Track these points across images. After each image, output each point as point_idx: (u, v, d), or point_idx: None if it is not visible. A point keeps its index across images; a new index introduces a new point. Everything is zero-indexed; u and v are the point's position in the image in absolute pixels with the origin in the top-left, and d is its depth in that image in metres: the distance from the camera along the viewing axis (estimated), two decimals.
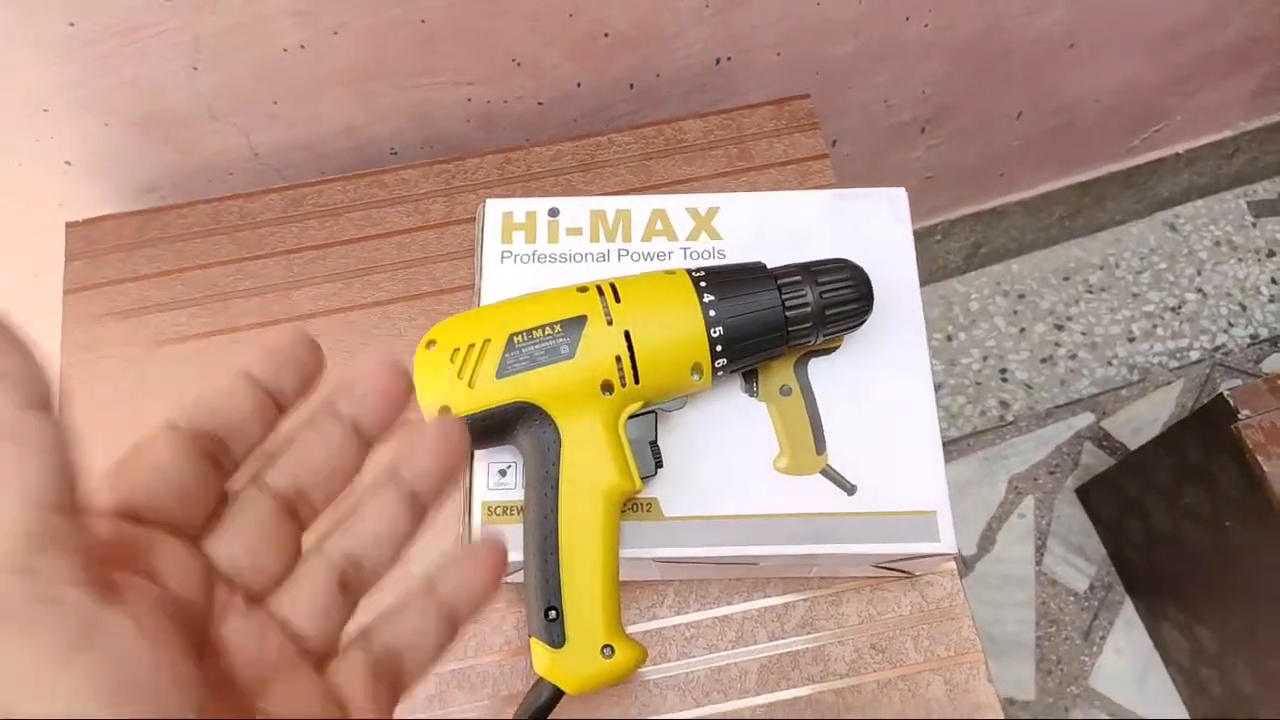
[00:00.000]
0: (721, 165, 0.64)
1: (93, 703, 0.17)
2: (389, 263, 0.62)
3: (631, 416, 0.45)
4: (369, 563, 0.24)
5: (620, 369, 0.44)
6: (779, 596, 0.54)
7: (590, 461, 0.44)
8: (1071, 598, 1.21)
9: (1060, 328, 1.34)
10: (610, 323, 0.44)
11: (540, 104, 0.71)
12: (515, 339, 0.44)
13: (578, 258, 0.52)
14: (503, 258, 0.52)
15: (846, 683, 0.52)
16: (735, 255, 0.52)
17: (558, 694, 0.43)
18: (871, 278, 0.47)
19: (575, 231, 0.53)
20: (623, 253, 0.52)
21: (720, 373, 0.46)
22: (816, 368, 0.50)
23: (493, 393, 0.43)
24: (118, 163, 0.65)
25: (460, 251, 0.62)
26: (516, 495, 0.48)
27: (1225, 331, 1.34)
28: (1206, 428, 0.91)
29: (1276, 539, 0.85)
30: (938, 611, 0.53)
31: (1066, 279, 1.36)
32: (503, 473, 0.48)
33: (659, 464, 0.46)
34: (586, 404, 0.44)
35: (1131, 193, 1.28)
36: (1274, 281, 1.36)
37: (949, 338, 1.34)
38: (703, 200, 0.54)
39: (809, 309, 0.46)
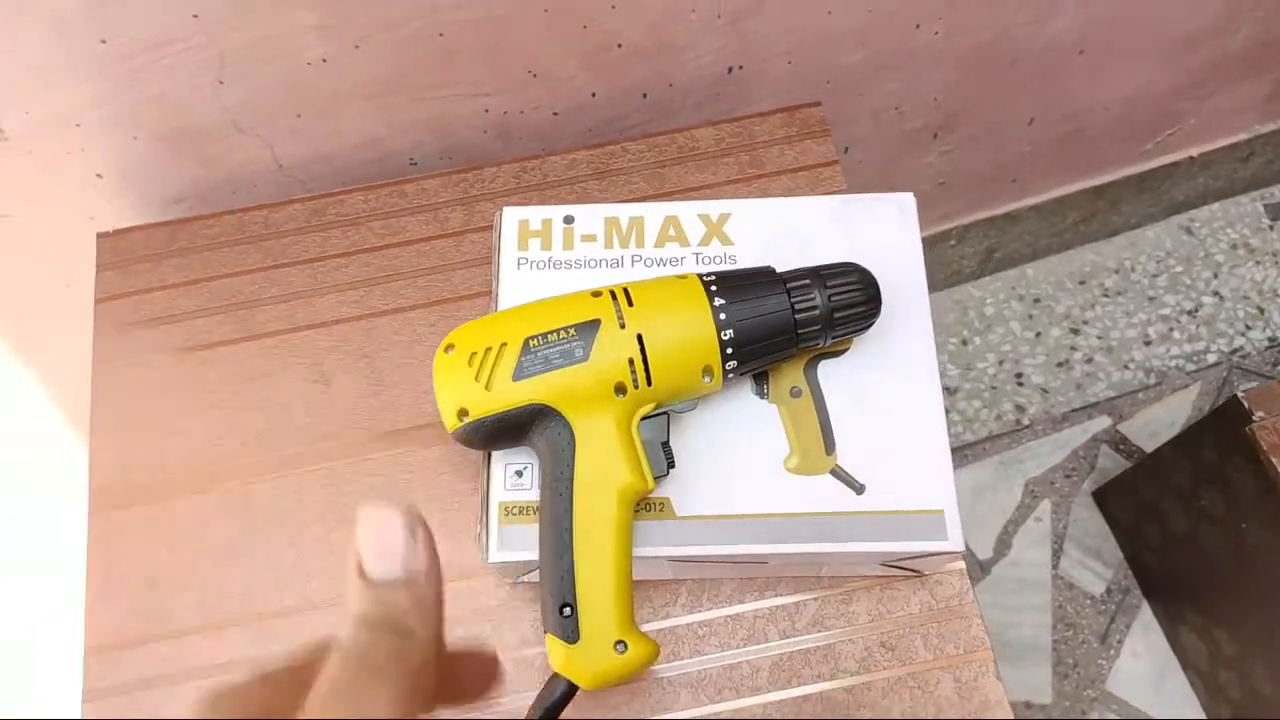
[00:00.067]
0: (733, 172, 0.65)
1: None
2: (409, 270, 0.64)
3: (644, 418, 0.47)
4: None
5: (633, 371, 0.45)
6: (790, 595, 0.55)
7: (604, 462, 0.45)
8: (1088, 601, 1.21)
9: (1076, 331, 1.34)
10: (623, 326, 0.45)
11: (556, 114, 0.72)
12: (531, 343, 0.45)
13: (592, 264, 0.54)
14: (519, 264, 0.54)
15: (857, 680, 0.53)
16: (746, 260, 0.53)
17: (572, 689, 0.44)
18: (880, 281, 0.48)
19: (590, 238, 0.54)
20: (636, 258, 0.54)
21: (731, 375, 0.47)
22: (826, 370, 0.51)
23: (509, 395, 0.45)
24: (146, 175, 0.67)
25: (478, 259, 0.64)
26: (533, 496, 0.49)
27: (1243, 334, 1.33)
28: (1222, 430, 0.91)
29: None
30: (947, 610, 0.54)
31: (1082, 283, 1.37)
32: (519, 474, 0.50)
33: (671, 464, 0.47)
34: (600, 405, 0.45)
35: (1146, 196, 1.28)
36: None
37: (964, 342, 1.34)
38: (714, 207, 0.55)
39: (817, 312, 0.47)
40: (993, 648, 0.54)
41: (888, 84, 0.83)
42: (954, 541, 0.48)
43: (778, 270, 0.48)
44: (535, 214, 0.55)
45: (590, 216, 0.55)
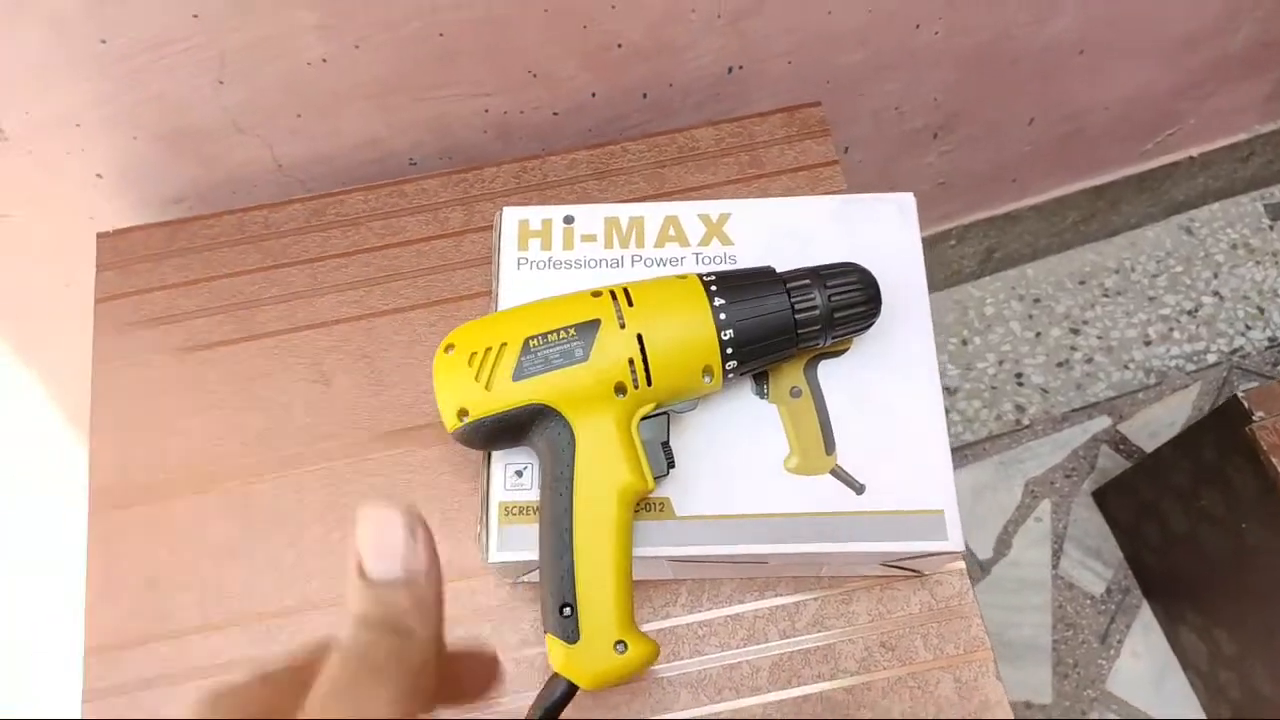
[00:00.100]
0: (733, 172, 0.65)
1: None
2: (409, 270, 0.64)
3: (644, 418, 0.47)
4: None
5: (633, 371, 0.45)
6: (790, 595, 0.55)
7: (604, 461, 0.45)
8: (1088, 601, 1.21)
9: (1076, 331, 1.34)
10: (623, 326, 0.45)
11: (556, 114, 0.73)
12: (531, 342, 0.45)
13: (592, 264, 0.54)
14: (519, 264, 0.54)
15: (857, 680, 0.53)
16: (746, 260, 0.53)
17: (572, 689, 0.44)
18: (880, 281, 0.48)
19: (590, 238, 0.54)
20: (636, 258, 0.54)
21: (731, 375, 0.47)
22: (826, 370, 0.51)
23: (509, 395, 0.45)
24: (146, 175, 0.67)
25: (478, 259, 0.64)
26: (533, 496, 0.49)
27: (1243, 334, 1.33)
28: (1221, 430, 0.91)
29: None
30: (947, 610, 0.54)
31: (1082, 283, 1.37)
32: (519, 474, 0.50)
33: (671, 464, 0.47)
34: (600, 405, 0.45)
35: (1146, 196, 1.28)
36: None
37: (964, 342, 1.34)
38: (714, 207, 0.55)
39: (817, 312, 0.47)
40: (993, 648, 0.54)
41: (888, 84, 0.83)
42: (954, 541, 0.48)
43: (778, 270, 0.48)
44: (535, 214, 0.55)
45: (590, 216, 0.55)
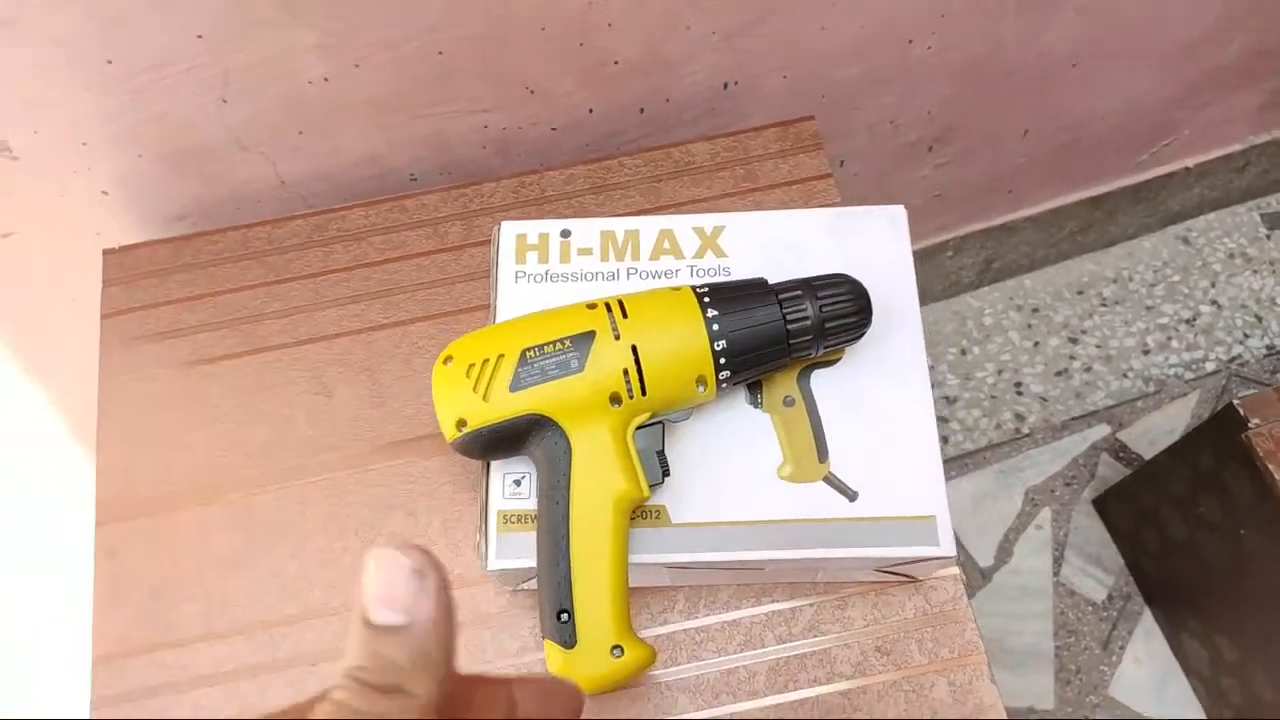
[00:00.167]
0: (728, 186, 0.66)
1: None
2: (409, 284, 0.65)
3: (639, 427, 0.47)
4: None
5: (628, 381, 0.46)
6: (786, 601, 0.56)
7: (600, 470, 0.46)
8: (1090, 608, 1.21)
9: (1074, 341, 1.35)
10: (618, 337, 0.46)
11: (553, 129, 0.74)
12: (528, 354, 0.46)
13: (589, 276, 0.55)
14: (517, 277, 0.55)
15: (852, 684, 0.54)
16: (740, 272, 0.54)
17: None
18: (872, 292, 0.49)
19: (586, 251, 0.55)
20: (631, 271, 0.55)
21: (724, 384, 0.48)
22: (819, 379, 0.52)
23: (506, 405, 0.46)
24: (151, 192, 0.69)
25: (477, 272, 0.65)
26: (531, 504, 0.50)
27: (1241, 343, 1.34)
28: (1218, 437, 0.91)
29: None
30: (941, 615, 0.55)
31: (1080, 293, 1.37)
32: (517, 483, 0.50)
33: (666, 472, 0.48)
34: (596, 415, 0.46)
35: (1142, 207, 1.29)
36: None
37: (963, 352, 1.35)
38: (709, 220, 0.56)
39: (809, 322, 0.48)
40: (986, 651, 0.54)
41: (882, 98, 0.84)
42: (945, 546, 0.48)
43: (770, 281, 0.49)
44: (533, 228, 0.56)
45: (587, 230, 0.56)
